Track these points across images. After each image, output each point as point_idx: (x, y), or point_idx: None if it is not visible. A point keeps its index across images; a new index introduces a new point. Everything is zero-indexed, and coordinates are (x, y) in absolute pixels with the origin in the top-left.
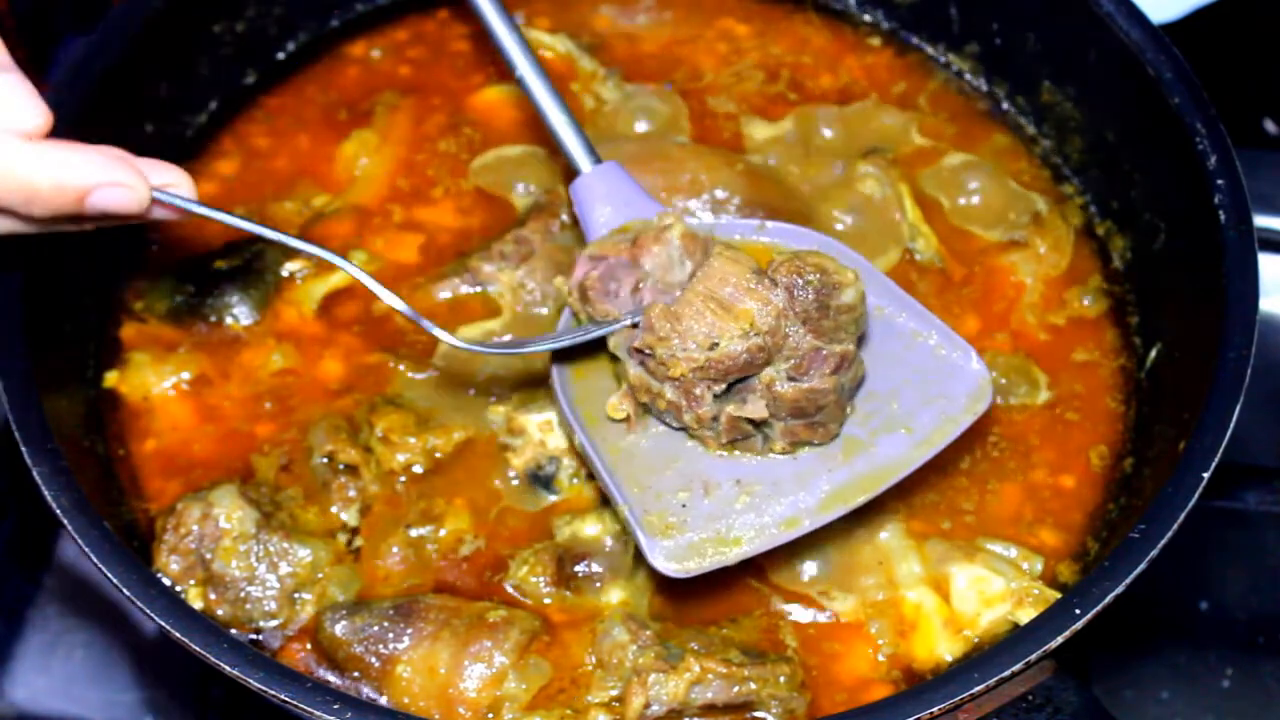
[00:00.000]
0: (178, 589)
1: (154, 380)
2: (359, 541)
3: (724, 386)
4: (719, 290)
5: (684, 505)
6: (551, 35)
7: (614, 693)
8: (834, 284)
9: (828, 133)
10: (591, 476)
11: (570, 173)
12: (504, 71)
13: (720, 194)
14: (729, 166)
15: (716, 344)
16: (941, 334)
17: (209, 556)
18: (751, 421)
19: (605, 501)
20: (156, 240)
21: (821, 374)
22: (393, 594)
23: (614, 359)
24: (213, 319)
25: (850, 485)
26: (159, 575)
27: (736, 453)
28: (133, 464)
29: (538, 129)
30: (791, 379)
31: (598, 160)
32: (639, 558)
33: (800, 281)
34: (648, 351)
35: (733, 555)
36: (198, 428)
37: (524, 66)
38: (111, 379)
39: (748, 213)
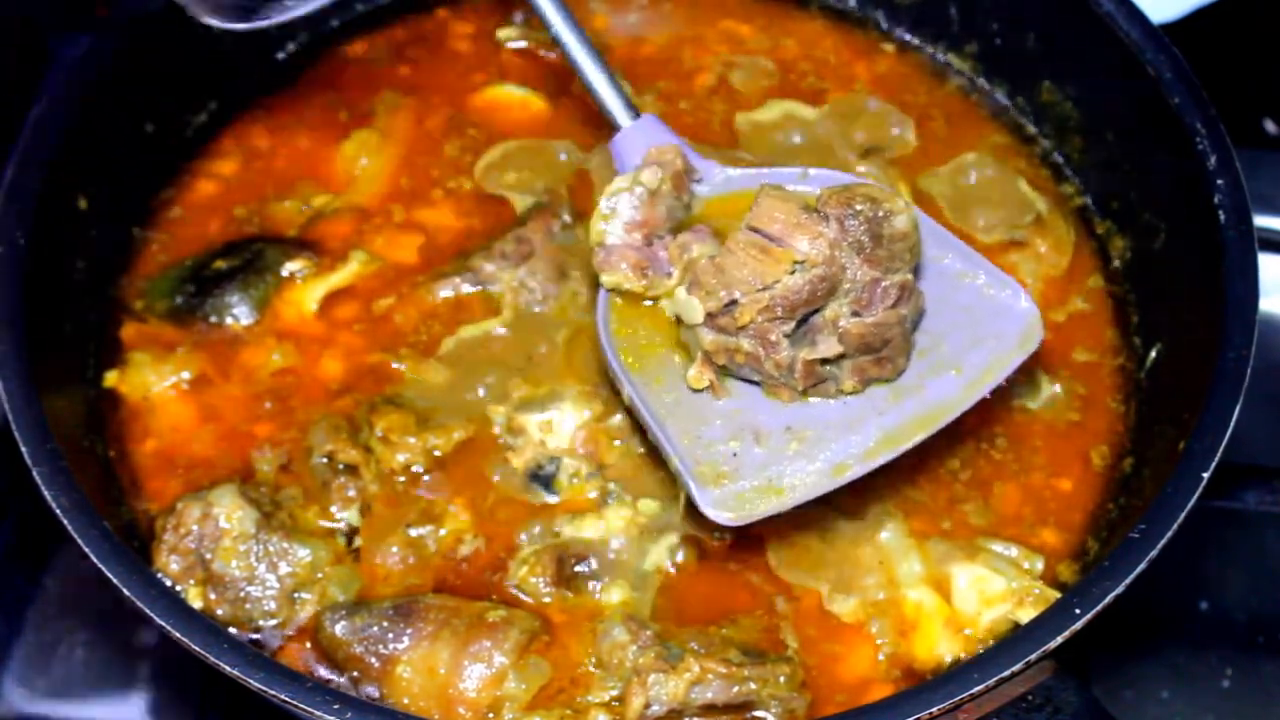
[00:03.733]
0: (177, 589)
1: (154, 380)
2: (359, 541)
3: (793, 325)
4: (768, 228)
5: (735, 454)
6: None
7: (614, 693)
8: (885, 212)
9: (825, 132)
10: (591, 476)
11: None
12: (504, 71)
13: None
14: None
15: (767, 285)
16: (989, 273)
17: (209, 556)
18: (825, 362)
19: (606, 501)
20: (157, 239)
21: (884, 306)
22: (392, 594)
23: (681, 325)
24: (213, 319)
25: (900, 428)
26: (159, 575)
27: (786, 400)
28: (133, 464)
29: (538, 128)
30: (855, 314)
31: (636, 114)
32: (641, 551)
33: (850, 211)
34: (714, 313)
35: (786, 502)
36: (198, 427)
37: (559, 24)
38: (111, 379)
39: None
